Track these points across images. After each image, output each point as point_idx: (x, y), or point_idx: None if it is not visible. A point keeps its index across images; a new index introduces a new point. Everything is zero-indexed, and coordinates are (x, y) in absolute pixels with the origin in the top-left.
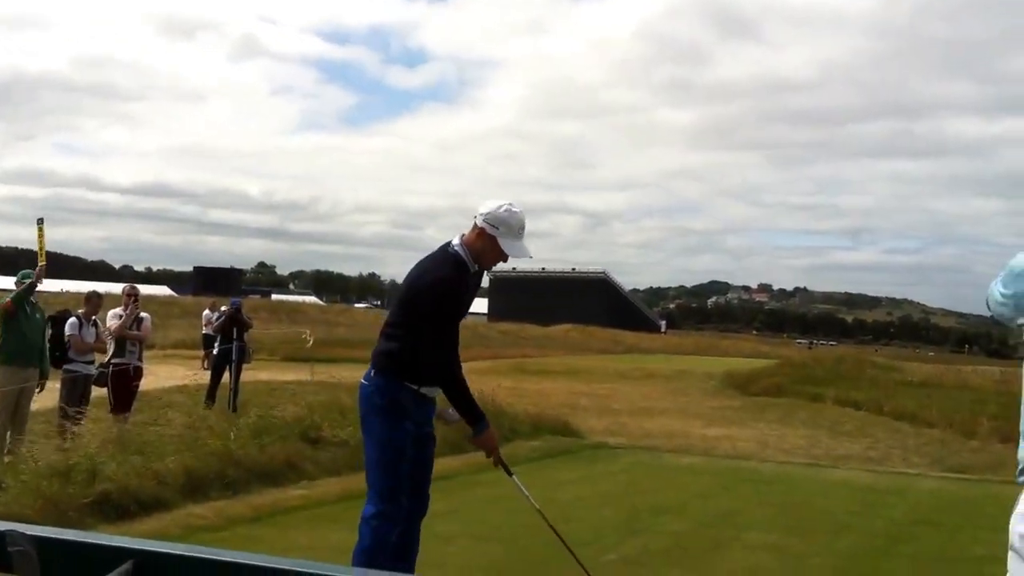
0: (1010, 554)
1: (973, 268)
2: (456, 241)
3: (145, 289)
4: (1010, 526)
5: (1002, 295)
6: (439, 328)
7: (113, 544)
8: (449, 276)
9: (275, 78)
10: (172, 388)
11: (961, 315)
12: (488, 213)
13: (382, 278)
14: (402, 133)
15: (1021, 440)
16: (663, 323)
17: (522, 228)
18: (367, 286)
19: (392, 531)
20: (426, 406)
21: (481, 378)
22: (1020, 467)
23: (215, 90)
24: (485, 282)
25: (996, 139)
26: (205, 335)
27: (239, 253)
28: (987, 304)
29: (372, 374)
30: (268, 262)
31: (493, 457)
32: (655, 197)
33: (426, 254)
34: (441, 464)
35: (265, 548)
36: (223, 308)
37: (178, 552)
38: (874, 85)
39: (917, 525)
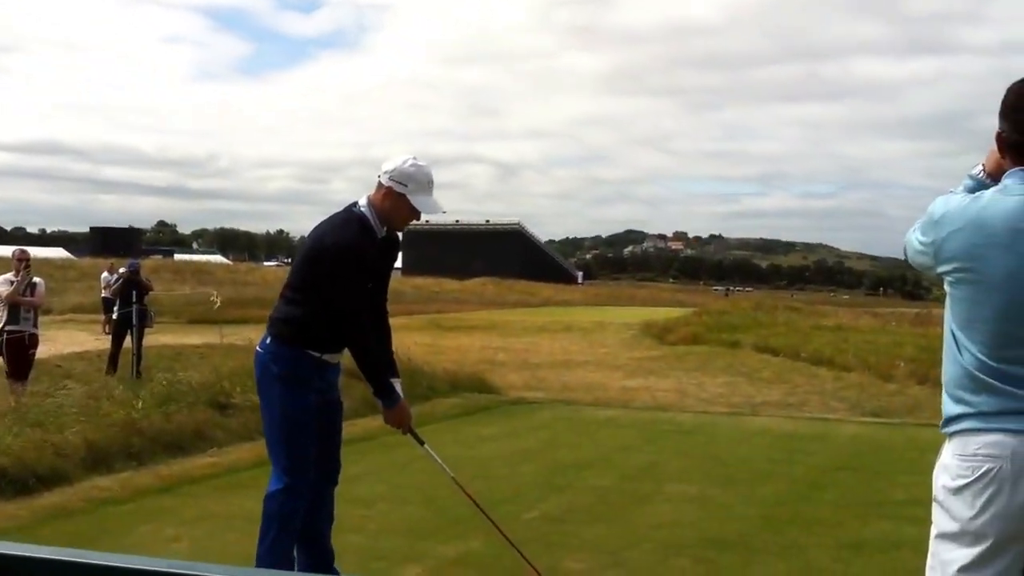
0: (933, 506)
1: (885, 211)
2: (363, 202)
3: (39, 251)
4: (933, 478)
5: (920, 243)
6: (343, 294)
7: None
8: (352, 239)
9: (163, 26)
10: (72, 355)
11: (875, 258)
12: (393, 170)
13: (290, 234)
14: (302, 83)
15: (944, 391)
16: (580, 274)
17: (431, 182)
18: (275, 243)
19: (299, 506)
20: (328, 372)
21: (396, 335)
22: (944, 418)
23: (99, 40)
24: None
25: (904, 80)
26: (104, 299)
27: (137, 212)
28: (904, 253)
29: (268, 341)
30: (168, 221)
31: (403, 429)
32: (566, 146)
33: (333, 211)
34: (358, 425)
35: (175, 520)
36: (121, 270)
37: (37, 555)
38: (781, 28)
39: (838, 471)
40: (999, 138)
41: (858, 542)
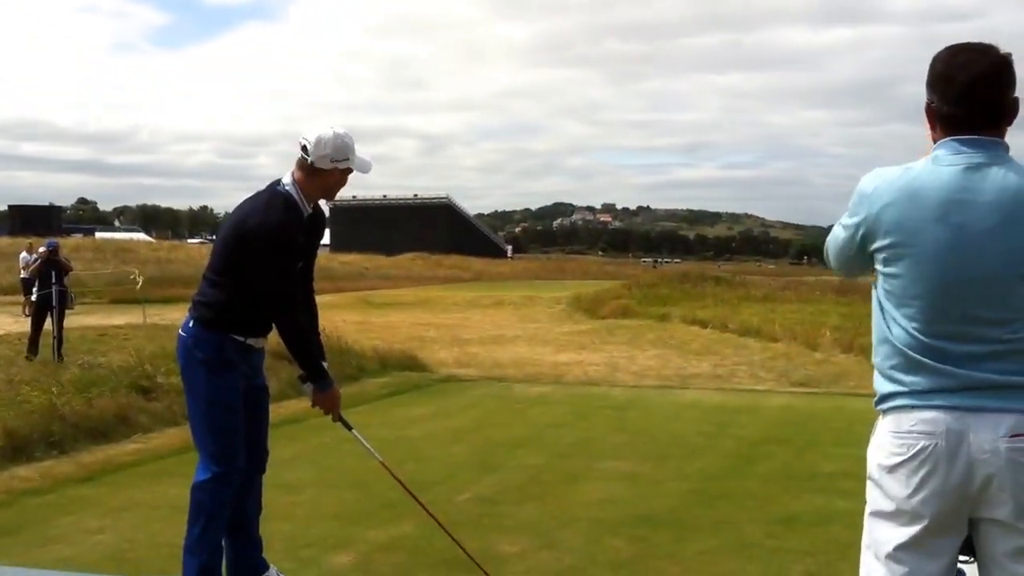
0: (868, 484)
1: (809, 180)
2: (286, 179)
3: None
4: (868, 456)
5: (845, 227)
6: (271, 277)
7: None
8: (278, 220)
9: None
10: None
11: (799, 227)
12: (330, 152)
13: (215, 211)
14: (222, 54)
15: (876, 369)
16: (509, 248)
17: (354, 147)
18: (199, 219)
19: (229, 495)
20: (253, 356)
21: (324, 313)
22: (878, 395)
23: (11, 11)
24: (325, 211)
25: (825, 49)
26: (23, 280)
27: (56, 188)
28: (826, 257)
29: (191, 324)
30: (89, 198)
31: (333, 415)
32: (493, 118)
33: (259, 187)
34: (286, 408)
35: (99, 510)
36: (40, 250)
37: None
38: None
39: (767, 443)
40: (928, 109)
41: (790, 516)
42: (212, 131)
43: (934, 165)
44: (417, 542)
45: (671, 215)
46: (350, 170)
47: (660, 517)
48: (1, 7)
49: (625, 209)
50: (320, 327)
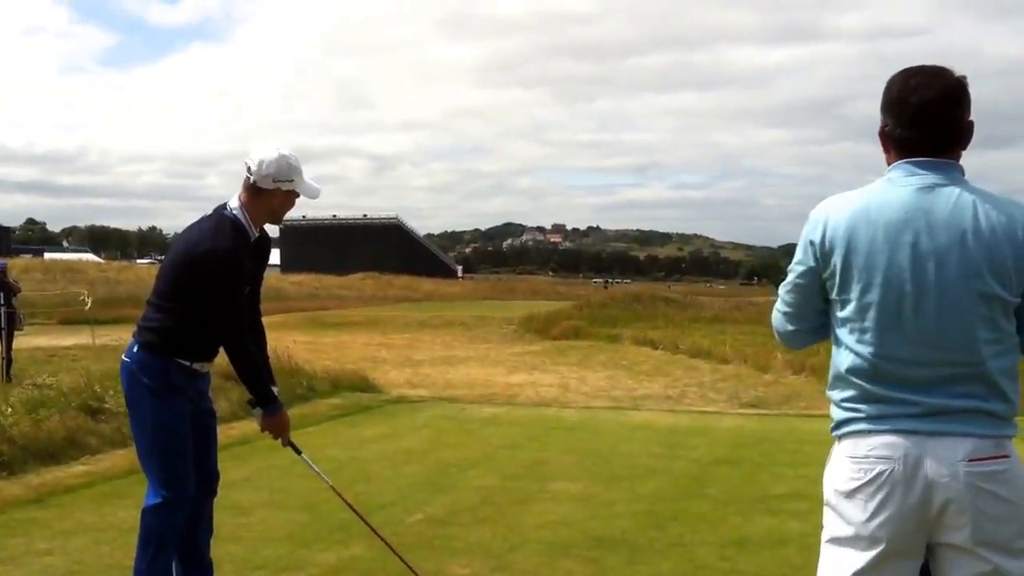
0: (824, 509)
1: (759, 200)
2: (234, 204)
3: None
4: (824, 481)
5: (793, 269)
6: (220, 302)
7: None
8: (226, 245)
9: (23, 18)
10: None
11: (749, 247)
12: (273, 172)
13: (163, 231)
14: (169, 75)
15: (832, 393)
16: (459, 268)
17: (299, 167)
18: (148, 240)
19: (179, 519)
20: (199, 381)
21: (275, 333)
22: (834, 421)
23: None
24: (275, 232)
25: (773, 68)
26: None
27: (4, 209)
28: (775, 330)
29: (136, 349)
30: (37, 218)
31: (282, 440)
32: (441, 138)
33: (208, 207)
34: (237, 429)
35: (47, 532)
36: None
37: None
38: (652, 16)
39: (719, 465)
40: (882, 132)
41: (742, 538)
42: (160, 152)
43: (887, 187)
44: (369, 564)
45: (621, 235)
46: (295, 192)
47: (613, 539)
48: None
49: (575, 229)
50: (270, 348)
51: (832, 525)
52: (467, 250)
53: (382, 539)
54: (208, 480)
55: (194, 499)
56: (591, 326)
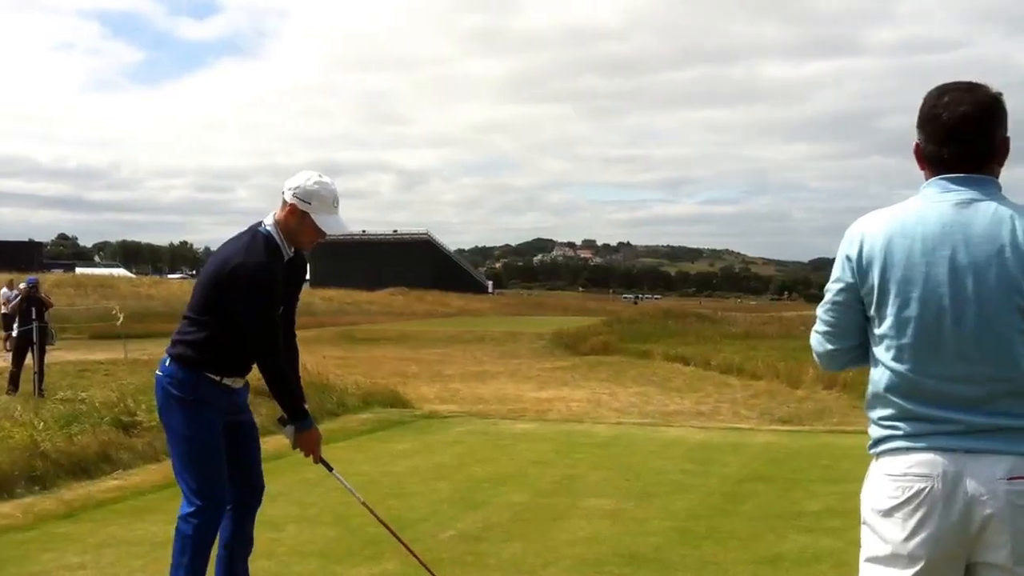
0: (862, 528)
1: (790, 214)
2: (268, 221)
3: None
4: (861, 499)
5: (832, 286)
6: (252, 318)
7: None
8: (259, 262)
9: (53, 33)
10: None
11: (780, 263)
12: (297, 187)
13: (194, 246)
14: (198, 90)
15: (869, 411)
16: (490, 283)
17: (336, 200)
18: (179, 255)
19: (213, 529)
20: (235, 394)
21: (306, 348)
22: (872, 438)
23: None
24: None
25: (805, 83)
26: (4, 316)
27: (36, 224)
28: (816, 354)
29: (168, 363)
30: (69, 234)
31: (313, 457)
32: (471, 153)
33: (238, 220)
34: (269, 444)
35: (79, 547)
36: (21, 286)
37: None
38: (682, 31)
39: (752, 481)
40: (917, 149)
41: (776, 556)
42: (190, 166)
43: (923, 203)
44: None
45: (652, 251)
46: (309, 217)
47: (645, 556)
48: None
49: (606, 245)
50: (301, 364)
51: (870, 544)
52: (497, 265)
53: (414, 555)
54: (253, 492)
55: (236, 511)
56: (621, 342)
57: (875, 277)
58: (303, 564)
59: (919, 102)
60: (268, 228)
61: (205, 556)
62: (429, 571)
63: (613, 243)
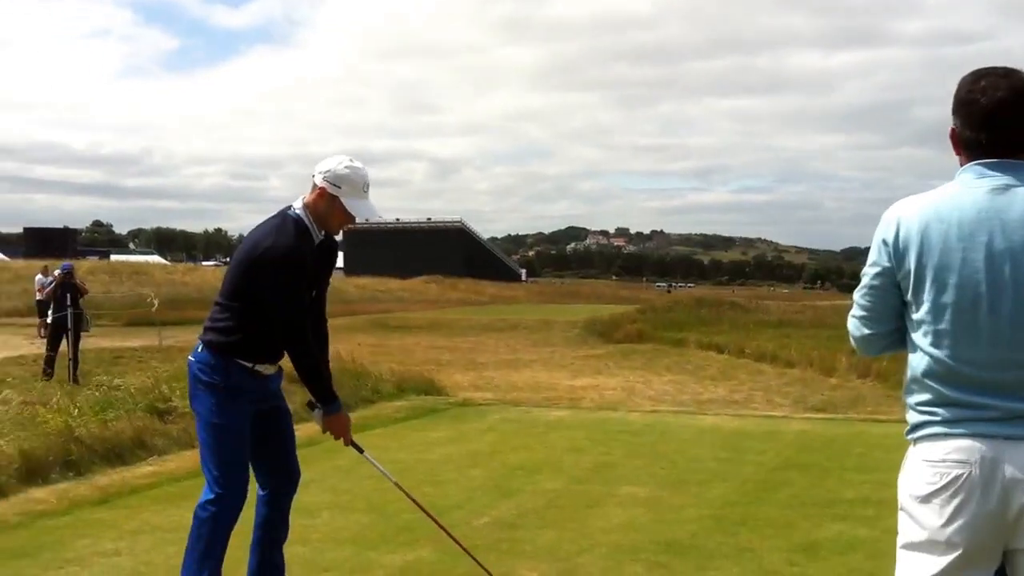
0: (900, 514)
1: (822, 203)
2: (297, 205)
3: None
4: (898, 485)
5: (868, 270)
6: (281, 302)
7: None
8: (288, 245)
9: (88, 21)
10: (6, 360)
11: (812, 251)
12: (328, 171)
13: (228, 233)
14: (232, 78)
15: (907, 396)
16: (523, 271)
17: (366, 185)
18: (213, 242)
19: (230, 517)
20: (268, 381)
21: (339, 336)
22: (910, 424)
23: (21, 36)
24: (339, 235)
25: (835, 73)
26: (39, 302)
27: (71, 211)
28: (852, 338)
29: (200, 349)
30: (104, 220)
31: (344, 439)
32: (503, 141)
33: (271, 208)
34: (301, 431)
35: (114, 533)
36: (56, 272)
37: None
38: (712, 19)
39: (787, 469)
40: (952, 134)
41: (811, 544)
42: (224, 154)
43: (959, 188)
44: (435, 567)
45: (685, 239)
46: (339, 201)
47: (681, 543)
48: (16, 33)
49: (639, 233)
50: (333, 350)
51: (907, 530)
52: (530, 253)
53: (450, 536)
54: (288, 478)
55: (272, 496)
56: (655, 330)
57: (911, 262)
58: (337, 550)
59: (948, 94)
60: (298, 211)
61: (221, 544)
62: (467, 552)
63: (646, 231)
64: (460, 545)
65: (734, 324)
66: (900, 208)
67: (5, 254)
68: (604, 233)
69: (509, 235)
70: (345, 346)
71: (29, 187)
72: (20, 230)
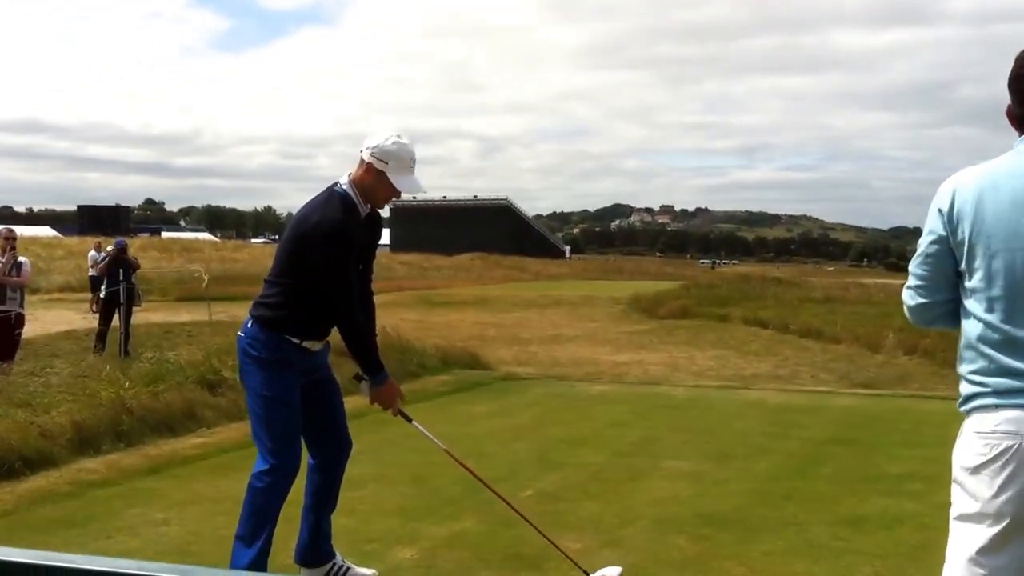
0: (953, 486)
1: (868, 182)
2: (344, 180)
3: (26, 230)
4: (952, 457)
5: (925, 239)
6: (329, 275)
7: None
8: (335, 219)
9: (142, 4)
10: (59, 335)
11: (859, 229)
12: (375, 147)
13: (278, 211)
14: (280, 58)
15: (960, 368)
16: (567, 248)
17: (413, 161)
18: (263, 220)
19: (284, 487)
20: (312, 356)
21: (385, 311)
22: (962, 396)
23: (77, 17)
24: (385, 212)
25: (883, 51)
26: (92, 277)
27: (123, 189)
28: (907, 308)
29: (250, 325)
30: (156, 199)
31: (392, 410)
32: (549, 120)
33: (320, 187)
34: (347, 404)
35: (164, 503)
36: (109, 248)
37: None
38: None
39: (832, 444)
40: (1008, 111)
41: (857, 518)
42: (273, 133)
43: (1015, 157)
44: (479, 538)
45: (729, 217)
46: (385, 176)
47: (724, 517)
48: (69, 15)
49: (683, 211)
50: (379, 325)
51: (959, 502)
52: (575, 231)
53: (505, 501)
54: (340, 447)
55: (324, 466)
56: (699, 306)
57: (966, 230)
58: (383, 521)
59: (998, 72)
60: (344, 187)
61: (274, 514)
62: (534, 527)
63: (691, 208)
64: (515, 509)
65: (779, 300)
66: (957, 177)
67: (60, 231)
68: (648, 211)
69: (554, 213)
70: (390, 321)
71: (83, 166)
72: (74, 208)
